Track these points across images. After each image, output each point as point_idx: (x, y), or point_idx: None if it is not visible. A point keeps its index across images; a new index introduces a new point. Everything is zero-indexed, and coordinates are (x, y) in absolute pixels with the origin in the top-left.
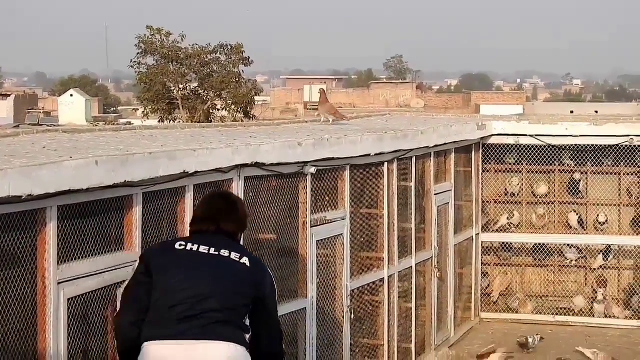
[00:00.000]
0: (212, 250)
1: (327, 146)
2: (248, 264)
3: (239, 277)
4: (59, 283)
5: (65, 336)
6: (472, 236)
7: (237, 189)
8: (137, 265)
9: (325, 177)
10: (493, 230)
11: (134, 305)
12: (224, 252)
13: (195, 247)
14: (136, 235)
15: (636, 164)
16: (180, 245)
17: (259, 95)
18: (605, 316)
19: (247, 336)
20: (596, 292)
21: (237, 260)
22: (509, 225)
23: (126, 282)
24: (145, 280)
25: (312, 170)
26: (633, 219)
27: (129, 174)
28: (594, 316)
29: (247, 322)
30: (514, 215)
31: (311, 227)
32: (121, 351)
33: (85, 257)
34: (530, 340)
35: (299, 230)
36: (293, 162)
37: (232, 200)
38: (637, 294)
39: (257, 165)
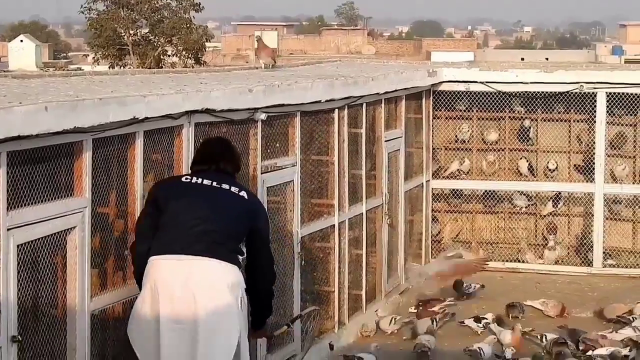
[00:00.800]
0: (214, 184)
1: (278, 92)
2: (246, 197)
3: (238, 207)
4: (8, 229)
5: (14, 283)
6: (423, 183)
7: (187, 135)
8: (146, 199)
9: (275, 123)
10: (444, 177)
11: (145, 234)
12: (225, 186)
13: (199, 180)
14: (86, 181)
15: (586, 110)
16: (186, 178)
17: (209, 41)
18: (555, 263)
19: (241, 258)
20: (546, 239)
21: (236, 193)
22: (459, 172)
23: (138, 217)
24: (153, 211)
25: (263, 116)
26: (582, 165)
27: (79, 119)
28: (544, 263)
29: (243, 247)
30: (464, 161)
31: (261, 173)
32: (137, 276)
33: (35, 203)
34: (465, 286)
35: (249, 176)
36: (243, 108)
37: (228, 143)
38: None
39: (207, 111)
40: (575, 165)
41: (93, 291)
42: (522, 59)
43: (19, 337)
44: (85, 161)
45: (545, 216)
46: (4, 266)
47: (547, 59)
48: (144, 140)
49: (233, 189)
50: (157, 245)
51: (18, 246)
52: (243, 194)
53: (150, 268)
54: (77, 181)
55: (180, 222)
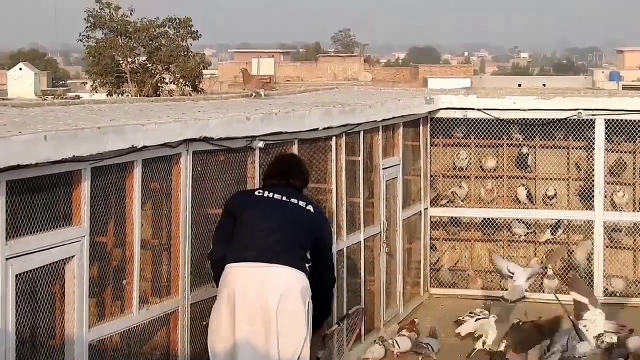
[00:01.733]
0: (284, 198)
1: (275, 120)
2: (312, 210)
3: (304, 220)
4: (7, 259)
5: (12, 313)
6: (421, 210)
7: (185, 163)
8: (223, 211)
9: (273, 151)
10: (442, 205)
11: (221, 243)
12: (293, 200)
13: (270, 194)
14: (84, 210)
15: (584, 137)
16: (258, 192)
17: (207, 68)
18: (555, 292)
19: (307, 266)
20: (545, 267)
21: (304, 206)
22: (453, 195)
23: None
24: (229, 221)
25: (260, 144)
26: (581, 193)
27: (77, 148)
28: (543, 292)
29: (308, 255)
30: (462, 187)
31: None
32: (217, 282)
33: (34, 232)
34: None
35: None
36: (241, 136)
37: (298, 160)
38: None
39: (205, 139)
40: (576, 190)
41: (91, 321)
42: (519, 85)
43: None
44: (83, 190)
45: (543, 243)
46: (2, 296)
47: (544, 85)
48: (142, 169)
49: (301, 202)
50: (233, 253)
51: (16, 275)
52: (309, 207)
53: (227, 275)
54: (75, 210)
55: (253, 232)
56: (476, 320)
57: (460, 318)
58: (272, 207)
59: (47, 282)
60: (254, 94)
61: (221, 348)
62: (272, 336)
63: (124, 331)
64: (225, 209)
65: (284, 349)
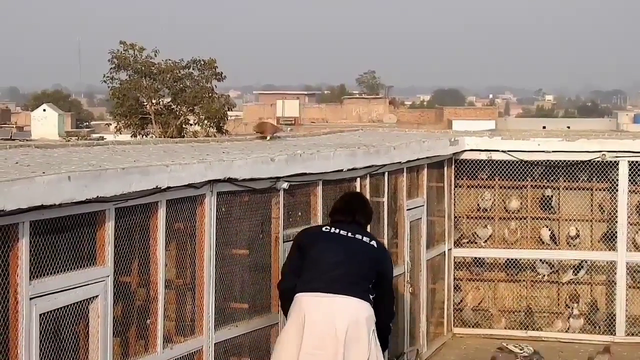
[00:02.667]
0: (349, 234)
1: (300, 161)
2: (375, 245)
3: (368, 254)
4: (30, 299)
5: (37, 352)
6: (445, 251)
7: (210, 204)
8: (293, 244)
9: (297, 192)
10: (466, 245)
11: (291, 274)
12: (358, 236)
13: (337, 231)
14: (108, 251)
15: (608, 179)
16: (325, 229)
17: (231, 110)
18: (580, 332)
19: (372, 297)
20: (569, 308)
21: (368, 242)
22: (474, 236)
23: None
24: (298, 254)
25: (285, 185)
26: (605, 234)
27: (101, 189)
28: (566, 331)
29: (371, 287)
30: (486, 227)
31: (283, 242)
32: (283, 310)
33: (58, 272)
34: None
35: (271, 245)
36: (265, 177)
37: (364, 199)
38: (600, 310)
39: (229, 180)
40: (600, 231)
41: None
42: (544, 127)
43: None
44: (107, 230)
45: (565, 284)
46: (26, 335)
47: (568, 127)
48: (166, 210)
49: (365, 239)
50: (303, 284)
51: (40, 315)
52: (373, 243)
53: (296, 304)
54: (99, 250)
55: (322, 265)
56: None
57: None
58: (338, 243)
59: (71, 321)
60: (269, 137)
61: None
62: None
63: None
64: (294, 243)
65: None
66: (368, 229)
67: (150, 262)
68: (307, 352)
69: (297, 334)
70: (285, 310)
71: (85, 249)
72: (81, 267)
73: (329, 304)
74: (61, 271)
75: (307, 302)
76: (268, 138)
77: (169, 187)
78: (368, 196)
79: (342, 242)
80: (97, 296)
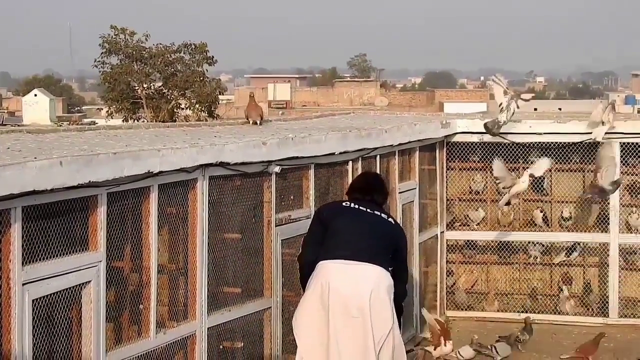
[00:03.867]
0: (369, 210)
1: (292, 145)
2: (392, 222)
3: (387, 229)
4: (23, 284)
5: (29, 338)
6: (437, 234)
7: (202, 188)
8: (313, 218)
9: (289, 176)
10: (459, 228)
11: (312, 247)
12: (376, 212)
13: (357, 206)
14: (101, 236)
15: None
16: (346, 204)
17: (222, 94)
18: (573, 314)
19: (391, 269)
20: (562, 290)
21: (386, 218)
22: (466, 219)
23: (306, 232)
24: (319, 228)
25: (277, 169)
26: (597, 216)
27: (93, 174)
28: (559, 314)
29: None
30: (478, 210)
31: (276, 226)
32: (302, 281)
33: (50, 257)
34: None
35: (263, 229)
36: (257, 161)
37: (381, 178)
38: (594, 292)
39: (221, 164)
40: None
41: (108, 345)
42: (535, 109)
43: None
44: (100, 215)
45: (558, 265)
46: (19, 321)
47: (560, 109)
48: (158, 194)
49: (383, 215)
50: (326, 252)
51: (33, 301)
52: (390, 220)
53: (321, 269)
54: (92, 235)
55: (345, 235)
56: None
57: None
58: (360, 216)
59: (64, 307)
60: (257, 122)
61: (307, 329)
62: (367, 325)
63: (141, 355)
64: (315, 217)
65: (377, 335)
66: None
67: (142, 247)
68: (339, 318)
69: (322, 299)
70: (306, 281)
71: (78, 234)
72: (73, 253)
73: (355, 271)
74: (54, 257)
75: (332, 269)
76: (251, 123)
77: (160, 172)
78: None
79: (363, 216)
80: (89, 281)
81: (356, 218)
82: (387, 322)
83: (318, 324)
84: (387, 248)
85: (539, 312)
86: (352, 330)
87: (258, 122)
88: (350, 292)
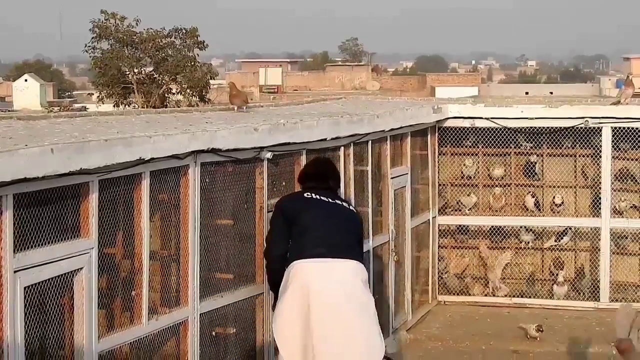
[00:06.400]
0: (330, 200)
1: (283, 131)
2: (354, 210)
3: (351, 219)
4: (15, 271)
5: (21, 325)
6: (429, 219)
7: (194, 174)
8: (273, 214)
9: (281, 161)
10: (451, 213)
11: (279, 242)
12: (338, 202)
13: (318, 197)
14: (92, 223)
15: (591, 145)
16: (307, 195)
17: (214, 78)
18: (565, 298)
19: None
20: (554, 275)
21: (347, 207)
22: (459, 204)
23: (269, 229)
24: (283, 222)
25: (269, 155)
26: (591, 201)
27: (85, 161)
28: (552, 298)
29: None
30: (470, 195)
31: (268, 212)
32: (272, 278)
33: (42, 245)
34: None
35: (255, 215)
36: (249, 147)
37: (333, 164)
38: (586, 276)
39: (213, 151)
40: (583, 197)
41: (100, 332)
42: (527, 93)
43: None
44: (91, 202)
45: (549, 250)
46: (11, 308)
47: (551, 92)
48: (150, 181)
49: (344, 204)
50: (300, 251)
51: (25, 288)
52: (352, 208)
53: (297, 271)
54: (83, 222)
55: (316, 231)
56: None
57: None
58: (325, 209)
59: (56, 294)
60: (236, 108)
61: (293, 340)
62: (351, 323)
63: (133, 342)
64: (277, 210)
65: (368, 334)
66: None
67: (134, 234)
68: (321, 319)
69: (302, 303)
70: (276, 278)
71: (70, 221)
72: (65, 240)
73: (332, 269)
74: (45, 244)
75: (308, 269)
76: (236, 109)
77: (152, 158)
78: (352, 165)
79: (328, 208)
80: (81, 268)
81: (322, 212)
82: (372, 319)
83: (301, 328)
84: (355, 239)
85: (530, 297)
86: (333, 330)
87: (244, 108)
88: (332, 292)
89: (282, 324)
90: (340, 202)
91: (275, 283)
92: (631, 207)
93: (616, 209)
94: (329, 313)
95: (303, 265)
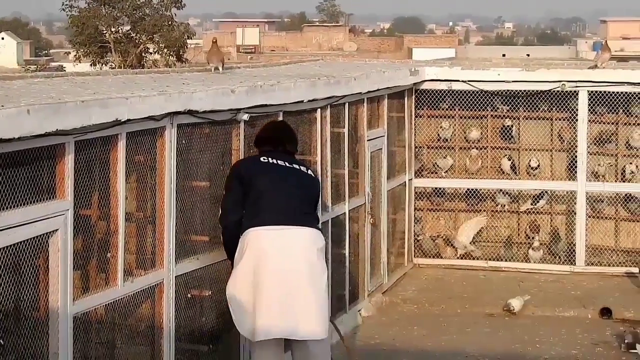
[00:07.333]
0: (287, 164)
1: (260, 93)
2: (312, 174)
3: (309, 183)
4: None
5: None
6: (405, 182)
7: (170, 136)
8: (228, 179)
9: (258, 123)
10: (427, 176)
11: (234, 207)
12: (295, 166)
13: (275, 161)
14: (68, 184)
15: (568, 109)
16: (264, 159)
17: (191, 38)
18: (540, 262)
19: (320, 224)
20: (530, 238)
21: (305, 171)
22: (435, 167)
23: (224, 194)
24: (239, 187)
25: (245, 117)
26: (565, 163)
27: (61, 122)
28: (528, 262)
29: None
30: (446, 158)
31: None
32: (228, 245)
33: (17, 206)
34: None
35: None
36: (226, 109)
37: (289, 126)
38: (562, 240)
39: (189, 112)
40: (560, 161)
41: (75, 294)
42: (504, 55)
43: (1, 340)
44: (67, 164)
45: (525, 213)
46: None
47: (528, 55)
48: (126, 142)
49: (302, 168)
50: (255, 217)
51: (0, 249)
52: (309, 172)
53: (253, 238)
54: (59, 184)
55: (272, 197)
56: None
57: None
58: (282, 173)
59: (31, 255)
60: (218, 68)
61: (246, 303)
62: (305, 290)
63: (108, 304)
64: (232, 175)
65: (315, 302)
66: None
67: (110, 195)
68: (274, 285)
69: (256, 270)
70: (231, 245)
71: (45, 182)
72: (41, 201)
73: (291, 236)
74: (20, 205)
75: (264, 237)
76: (213, 69)
77: (128, 120)
78: (329, 127)
79: (284, 172)
80: (56, 230)
81: (278, 176)
82: (324, 288)
83: (253, 291)
84: (313, 205)
85: (506, 260)
86: (285, 298)
87: (220, 68)
88: (288, 260)
89: (234, 286)
90: (298, 167)
91: (230, 251)
92: (609, 167)
93: (595, 173)
94: (282, 280)
95: (259, 233)
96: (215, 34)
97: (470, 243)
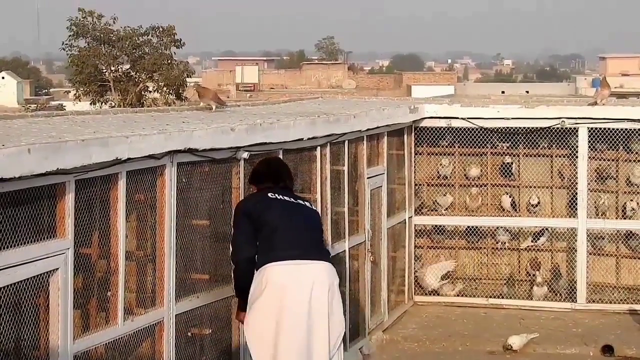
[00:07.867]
0: (292, 199)
1: (260, 131)
2: (315, 209)
3: (316, 218)
4: None
5: None
6: (405, 219)
7: (170, 174)
8: (237, 216)
9: (258, 161)
10: (427, 213)
11: (246, 244)
12: (299, 201)
13: (281, 197)
14: (68, 223)
15: (568, 146)
16: (271, 195)
17: (190, 76)
18: (543, 298)
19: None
20: (532, 275)
21: (310, 207)
22: (435, 204)
23: (233, 232)
24: (249, 224)
25: (245, 155)
26: (567, 202)
27: (62, 161)
28: (528, 299)
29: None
30: (446, 195)
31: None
32: (239, 281)
33: (18, 245)
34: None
35: (232, 215)
36: (226, 147)
37: (284, 162)
38: (563, 277)
39: (189, 151)
40: (560, 198)
41: (76, 332)
42: (503, 92)
43: None
44: (68, 202)
45: (525, 250)
46: None
47: (527, 92)
48: (126, 181)
49: (306, 203)
50: (270, 253)
51: (0, 289)
52: (314, 207)
53: (271, 274)
54: (59, 222)
55: (285, 232)
56: None
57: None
58: (290, 209)
59: (31, 294)
60: (207, 107)
61: (266, 340)
62: (323, 325)
63: (109, 342)
64: (240, 212)
65: (333, 339)
66: None
67: (110, 234)
68: (292, 322)
69: (276, 304)
70: (243, 282)
71: (46, 221)
72: (41, 240)
73: (311, 270)
74: (21, 244)
75: (283, 271)
76: (213, 108)
77: (129, 158)
78: (328, 164)
79: (292, 208)
80: (57, 269)
81: (288, 212)
82: (341, 324)
83: (274, 327)
84: (322, 239)
85: (507, 298)
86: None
87: (213, 106)
88: (310, 294)
89: (254, 323)
90: (302, 202)
91: (242, 288)
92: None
93: (597, 210)
94: (303, 319)
95: (277, 268)
96: (215, 72)
97: (438, 283)
